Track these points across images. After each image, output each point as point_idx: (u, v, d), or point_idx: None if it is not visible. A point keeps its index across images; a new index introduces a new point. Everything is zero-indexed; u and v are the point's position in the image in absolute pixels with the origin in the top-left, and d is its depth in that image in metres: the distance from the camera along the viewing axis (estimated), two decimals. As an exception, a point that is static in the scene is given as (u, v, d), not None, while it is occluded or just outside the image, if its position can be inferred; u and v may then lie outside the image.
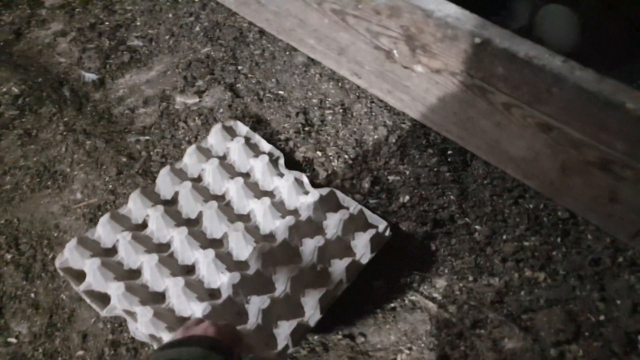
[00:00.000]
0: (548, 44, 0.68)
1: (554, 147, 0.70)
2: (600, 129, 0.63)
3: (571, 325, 0.69)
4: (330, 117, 0.96)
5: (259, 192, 0.80)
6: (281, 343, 0.64)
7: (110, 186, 0.88)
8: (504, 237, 0.79)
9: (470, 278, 0.75)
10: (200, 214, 0.77)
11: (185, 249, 0.72)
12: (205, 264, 0.68)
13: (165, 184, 0.81)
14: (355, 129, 0.94)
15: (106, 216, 0.74)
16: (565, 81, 0.62)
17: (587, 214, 0.76)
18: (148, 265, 0.68)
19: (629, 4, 0.88)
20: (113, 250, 0.74)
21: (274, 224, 0.75)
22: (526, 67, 0.65)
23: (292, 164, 0.89)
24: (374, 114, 0.96)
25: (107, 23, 1.17)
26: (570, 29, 0.91)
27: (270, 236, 0.75)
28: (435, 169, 0.87)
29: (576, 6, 0.93)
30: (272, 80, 1.04)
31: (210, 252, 0.68)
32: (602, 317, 0.70)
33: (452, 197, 0.84)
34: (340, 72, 1.01)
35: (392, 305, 0.72)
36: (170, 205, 0.79)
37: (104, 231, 0.74)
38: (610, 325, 0.69)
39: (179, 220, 0.77)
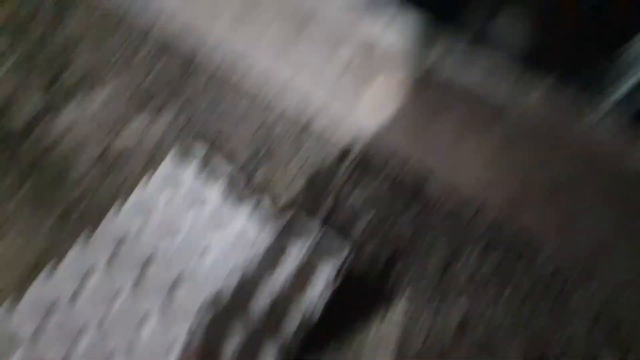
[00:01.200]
0: (503, 48, 0.64)
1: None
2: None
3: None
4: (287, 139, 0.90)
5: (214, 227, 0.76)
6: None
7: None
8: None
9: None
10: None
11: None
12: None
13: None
14: (312, 151, 0.89)
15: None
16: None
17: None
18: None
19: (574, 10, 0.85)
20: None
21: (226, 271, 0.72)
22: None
23: (251, 185, 0.85)
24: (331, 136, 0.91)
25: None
26: (526, 33, 0.87)
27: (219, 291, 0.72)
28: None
29: (530, 10, 0.88)
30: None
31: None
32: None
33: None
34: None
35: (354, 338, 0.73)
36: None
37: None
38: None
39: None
